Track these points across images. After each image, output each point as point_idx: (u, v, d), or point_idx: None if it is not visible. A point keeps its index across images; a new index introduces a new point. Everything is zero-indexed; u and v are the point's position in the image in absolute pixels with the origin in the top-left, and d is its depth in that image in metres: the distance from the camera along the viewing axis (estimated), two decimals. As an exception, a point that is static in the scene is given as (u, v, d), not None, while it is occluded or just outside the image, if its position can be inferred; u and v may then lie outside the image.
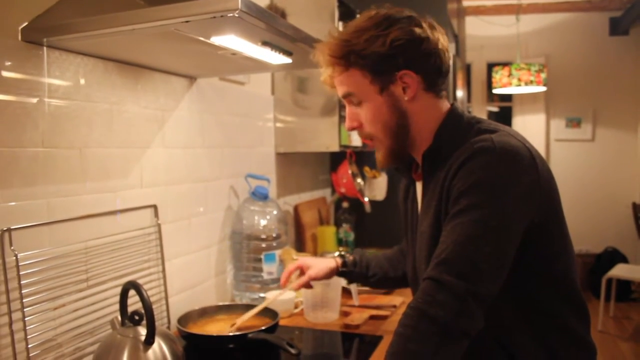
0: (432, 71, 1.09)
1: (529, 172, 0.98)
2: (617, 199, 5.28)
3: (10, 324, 1.09)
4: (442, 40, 1.09)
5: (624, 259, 5.00)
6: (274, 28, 1.10)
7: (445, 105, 1.13)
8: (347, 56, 1.06)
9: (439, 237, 1.00)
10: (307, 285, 1.48)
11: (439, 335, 0.87)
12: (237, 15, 0.95)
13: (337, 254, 1.50)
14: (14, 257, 1.10)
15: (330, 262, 1.47)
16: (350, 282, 1.51)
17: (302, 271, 1.48)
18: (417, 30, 1.05)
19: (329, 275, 1.46)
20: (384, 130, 1.10)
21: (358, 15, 1.11)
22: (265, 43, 1.20)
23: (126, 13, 1.00)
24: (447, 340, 0.88)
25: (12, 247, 1.10)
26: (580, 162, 5.43)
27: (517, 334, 1.03)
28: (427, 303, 0.90)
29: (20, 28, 1.12)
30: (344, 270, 1.47)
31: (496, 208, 0.94)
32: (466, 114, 1.12)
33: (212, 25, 1.02)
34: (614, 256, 5.01)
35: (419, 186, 1.18)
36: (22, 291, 1.11)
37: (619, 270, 4.27)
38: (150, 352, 1.11)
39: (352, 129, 1.14)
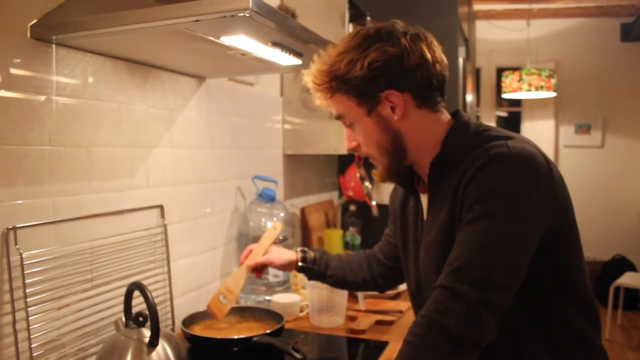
0: (420, 86, 1.04)
1: (545, 178, 0.96)
2: (626, 207, 5.23)
3: (14, 323, 1.08)
4: (428, 51, 1.04)
5: (632, 267, 4.95)
6: (285, 28, 1.09)
7: (447, 115, 1.11)
8: (330, 82, 1.06)
9: (449, 245, 0.98)
10: (255, 270, 1.45)
11: (449, 345, 0.85)
12: (247, 15, 0.94)
13: (299, 249, 1.48)
14: (19, 256, 1.09)
15: (291, 254, 1.45)
16: (309, 278, 1.49)
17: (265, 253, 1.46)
18: (391, 49, 1.01)
19: (286, 265, 1.44)
20: (379, 151, 1.10)
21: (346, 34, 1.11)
22: (275, 44, 1.19)
23: (136, 11, 0.99)
24: (457, 351, 0.86)
25: (17, 246, 1.09)
26: (589, 168, 5.39)
27: (531, 342, 1.01)
28: (439, 312, 0.88)
29: (29, 25, 1.12)
30: (303, 266, 1.44)
31: (512, 215, 0.92)
32: (473, 121, 1.10)
33: (222, 24, 1.01)
34: (622, 264, 4.97)
35: (423, 198, 1.16)
36: (26, 290, 1.10)
37: (627, 279, 4.23)
38: (154, 354, 1.10)
39: (352, 149, 1.13)
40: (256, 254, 1.45)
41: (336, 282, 1.46)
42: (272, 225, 1.45)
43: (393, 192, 1.35)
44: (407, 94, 1.04)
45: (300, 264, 1.44)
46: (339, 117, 1.11)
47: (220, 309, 1.42)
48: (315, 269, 1.44)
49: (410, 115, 1.06)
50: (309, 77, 1.10)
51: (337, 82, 1.05)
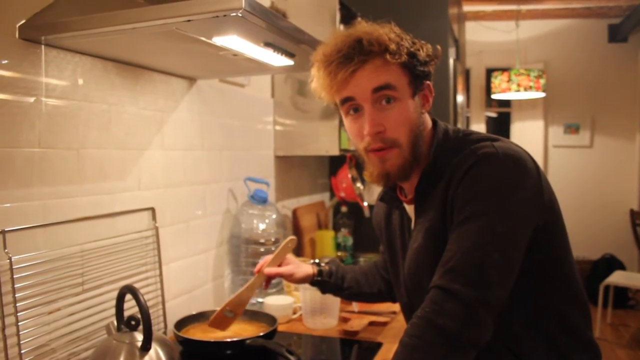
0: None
1: (532, 176, 0.98)
2: (615, 206, 5.28)
3: (3, 328, 1.06)
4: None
5: (621, 266, 4.99)
6: (277, 29, 1.09)
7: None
8: (401, 50, 1.02)
9: (438, 249, 0.98)
10: (266, 280, 1.39)
11: (446, 345, 0.86)
12: (240, 14, 0.93)
13: (314, 261, 1.45)
14: (8, 260, 1.08)
15: (309, 268, 1.42)
16: (323, 292, 1.46)
17: (281, 264, 1.41)
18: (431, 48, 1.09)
19: (304, 279, 1.41)
20: (410, 135, 1.05)
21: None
22: (267, 44, 1.18)
23: (127, 11, 0.98)
24: (454, 351, 0.86)
25: (6, 250, 1.07)
26: (578, 168, 5.43)
27: (527, 339, 1.01)
28: (435, 312, 0.88)
29: (18, 25, 1.10)
30: (319, 280, 1.42)
31: (502, 213, 0.93)
32: (449, 126, 1.13)
33: (214, 25, 1.01)
34: (611, 263, 5.01)
35: (409, 208, 1.17)
36: (16, 295, 1.08)
37: (617, 277, 4.27)
38: (146, 359, 1.09)
39: (377, 133, 1.03)
40: (273, 264, 1.39)
41: (352, 294, 1.45)
42: (289, 238, 1.41)
43: (375, 209, 1.35)
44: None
45: (317, 278, 1.42)
46: (383, 88, 1.02)
47: (224, 323, 1.38)
48: (331, 282, 1.42)
49: (426, 113, 1.11)
50: (379, 32, 1.03)
51: (406, 53, 1.02)
